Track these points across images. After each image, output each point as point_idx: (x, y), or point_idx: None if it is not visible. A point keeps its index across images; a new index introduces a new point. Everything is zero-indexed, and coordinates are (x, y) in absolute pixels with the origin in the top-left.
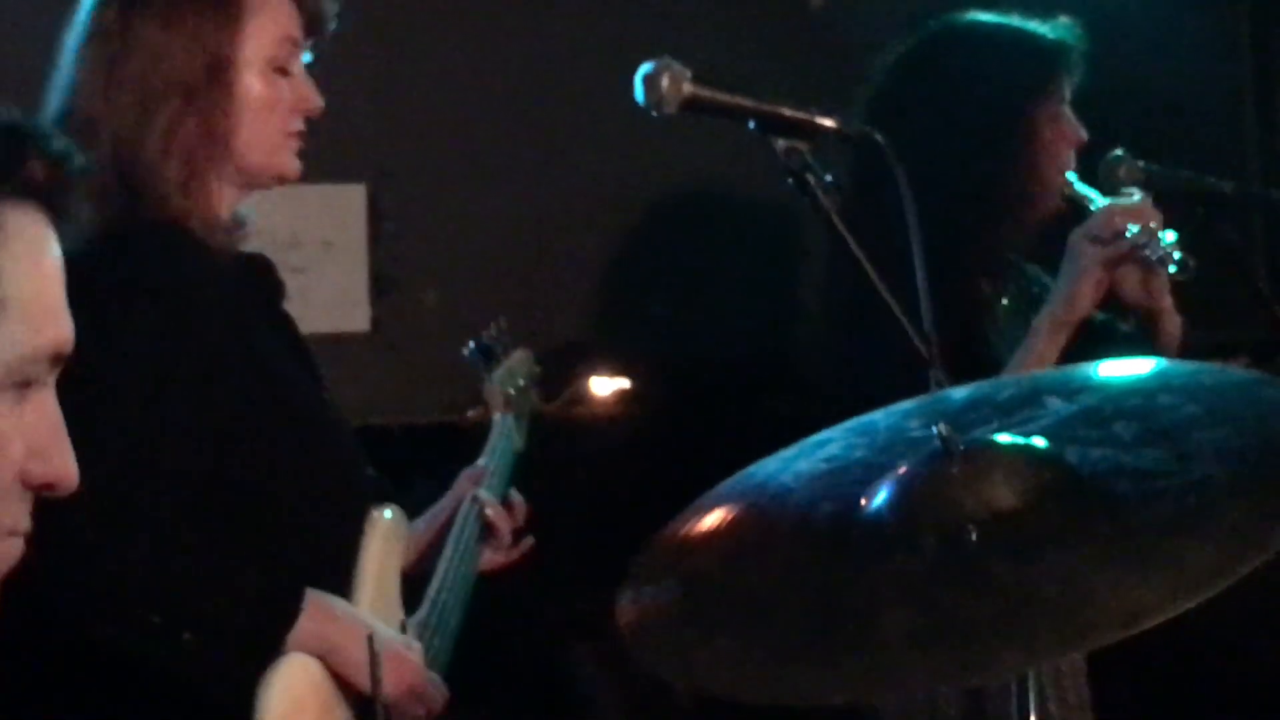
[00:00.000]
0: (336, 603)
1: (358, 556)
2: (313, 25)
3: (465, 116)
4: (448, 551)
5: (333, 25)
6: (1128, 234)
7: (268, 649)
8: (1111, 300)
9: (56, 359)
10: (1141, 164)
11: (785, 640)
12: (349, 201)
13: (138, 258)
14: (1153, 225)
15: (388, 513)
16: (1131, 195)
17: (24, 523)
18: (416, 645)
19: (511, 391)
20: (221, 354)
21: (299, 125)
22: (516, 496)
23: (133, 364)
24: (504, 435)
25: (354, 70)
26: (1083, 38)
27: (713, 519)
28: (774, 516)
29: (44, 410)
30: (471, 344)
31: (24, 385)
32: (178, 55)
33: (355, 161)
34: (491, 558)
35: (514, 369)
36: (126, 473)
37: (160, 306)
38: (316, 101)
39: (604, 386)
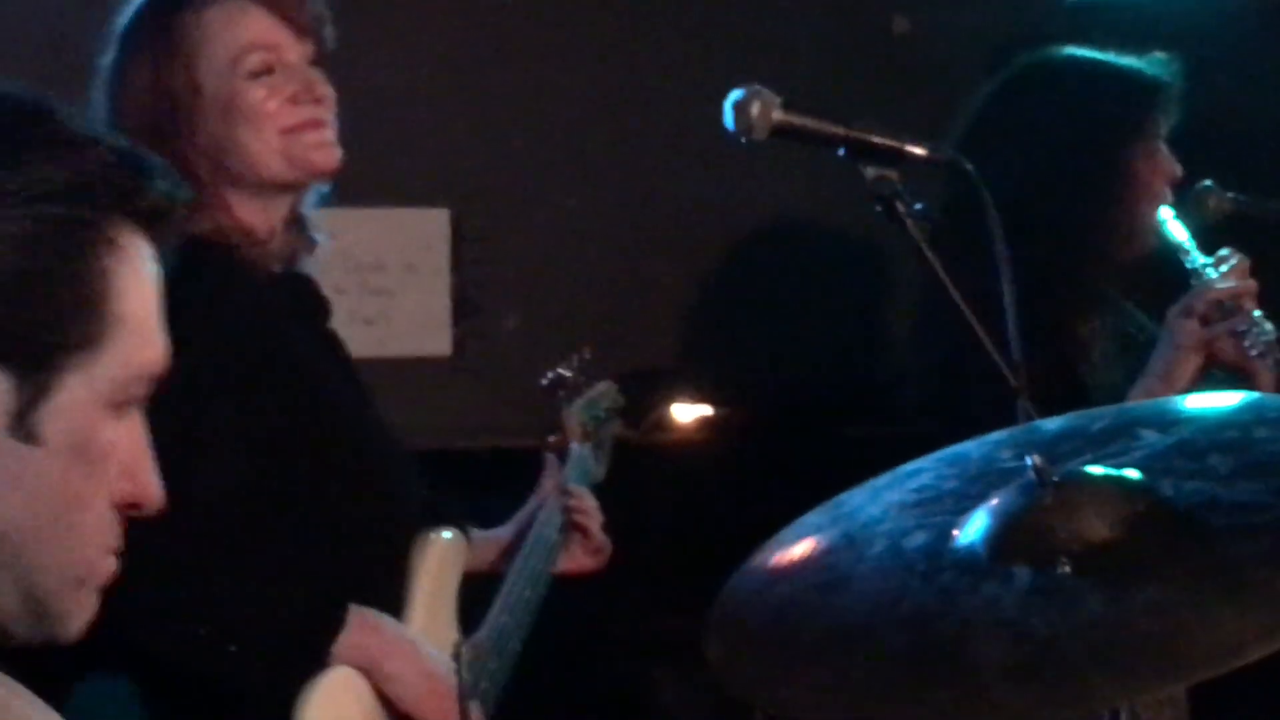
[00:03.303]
0: (381, 618)
1: (409, 577)
2: (294, 25)
3: (549, 141)
4: (513, 572)
5: (323, 23)
6: (1229, 320)
7: (311, 661)
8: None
9: (153, 380)
10: (1230, 194)
11: (875, 671)
12: (432, 225)
13: (180, 272)
14: (1252, 308)
15: (446, 534)
16: (1225, 260)
17: (118, 542)
18: (453, 664)
19: (589, 422)
20: (264, 367)
21: (305, 116)
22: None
23: (178, 377)
24: (579, 464)
25: (439, 95)
26: (1179, 74)
27: (803, 547)
28: (864, 546)
29: (136, 431)
30: (550, 374)
31: (125, 404)
32: (141, 97)
33: (439, 185)
34: (580, 560)
35: (595, 400)
36: (173, 485)
37: (204, 319)
38: (313, 91)
39: (686, 413)
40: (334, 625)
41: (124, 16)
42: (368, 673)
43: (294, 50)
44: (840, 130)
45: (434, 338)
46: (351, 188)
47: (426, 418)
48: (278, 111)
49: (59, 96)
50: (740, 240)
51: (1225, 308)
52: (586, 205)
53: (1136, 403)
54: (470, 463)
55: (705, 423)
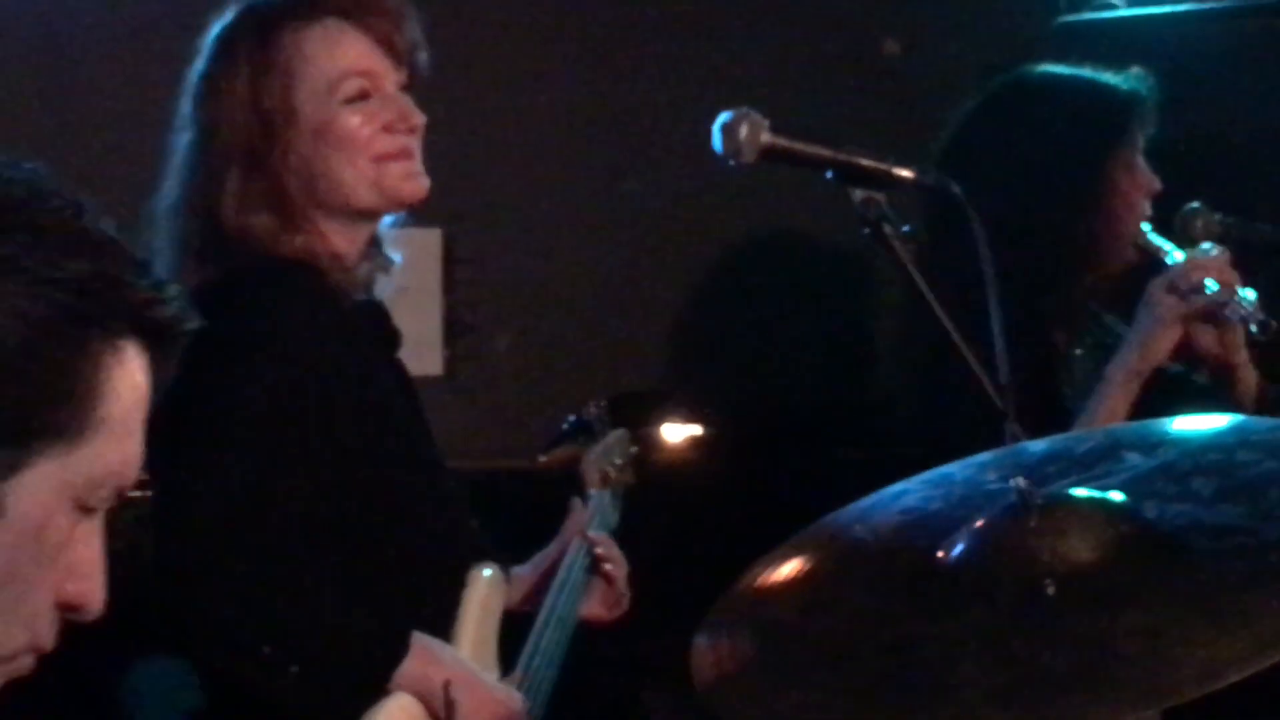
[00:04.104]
0: (442, 647)
1: (458, 610)
2: (392, 52)
3: (541, 162)
4: (544, 612)
5: (418, 49)
6: (1207, 289)
7: (371, 687)
8: (1186, 353)
9: (121, 490)
10: (1218, 216)
11: (861, 692)
12: (424, 246)
13: (264, 294)
14: (1232, 282)
15: (487, 570)
16: (1209, 250)
17: (49, 642)
18: (518, 695)
19: (608, 469)
20: (344, 394)
21: (397, 145)
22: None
23: (254, 401)
24: (599, 511)
25: (430, 114)
26: (1155, 88)
27: (789, 568)
28: (850, 567)
29: (94, 535)
30: (571, 418)
31: (89, 505)
32: (236, 120)
33: (430, 206)
34: (597, 609)
35: (611, 447)
36: (245, 507)
37: (283, 345)
38: (408, 120)
39: (676, 433)
40: (396, 652)
41: (218, 26)
42: (426, 701)
43: (390, 77)
44: (828, 153)
45: (426, 358)
46: None
47: None
48: (371, 139)
49: (57, 99)
50: (730, 261)
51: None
52: (578, 226)
53: (1111, 382)
54: (462, 483)
55: (695, 443)
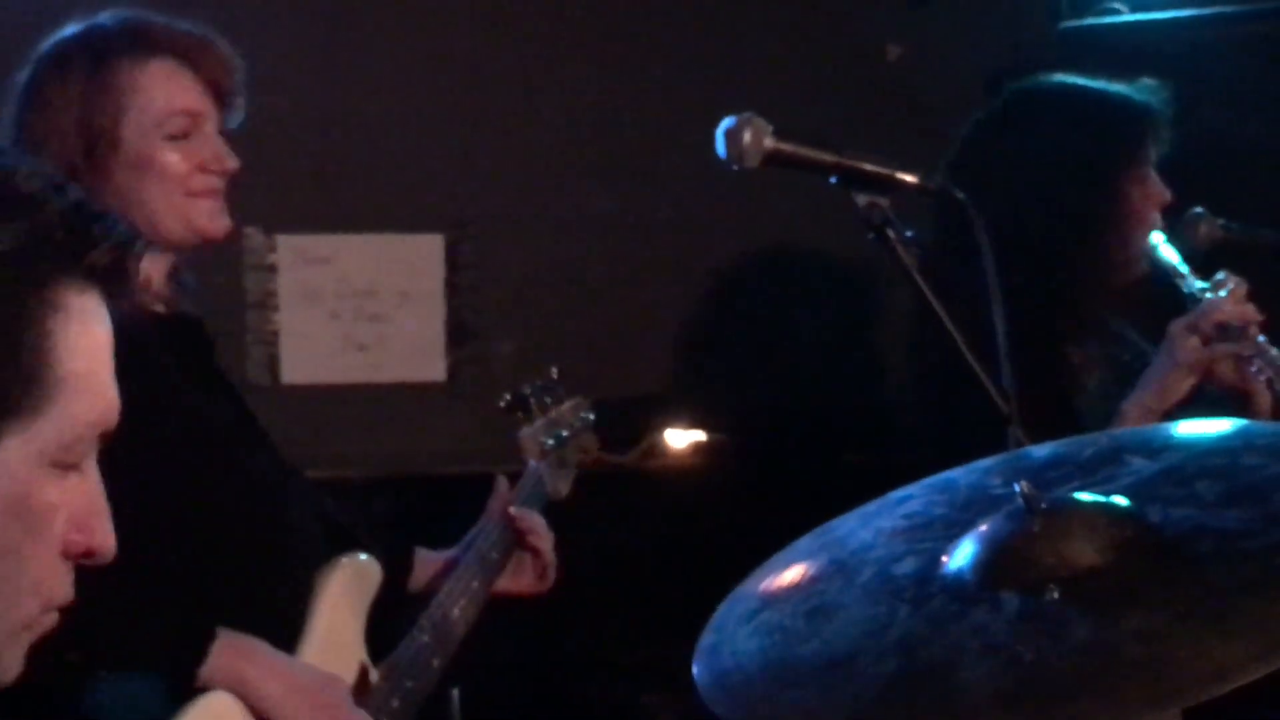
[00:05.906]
0: (254, 642)
1: (309, 602)
2: (217, 96)
3: (542, 167)
4: (441, 592)
5: (239, 95)
6: (1232, 337)
7: (178, 685)
8: (1203, 380)
9: (104, 435)
10: (1220, 221)
11: (864, 697)
12: (426, 252)
13: None
14: (1256, 333)
15: (355, 558)
16: (1224, 284)
17: (66, 594)
18: (339, 681)
19: (549, 441)
20: (134, 404)
21: (208, 184)
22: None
23: None
24: (533, 483)
25: (432, 121)
26: (1168, 101)
27: (793, 573)
28: (854, 572)
29: (87, 482)
30: (507, 395)
31: (70, 460)
32: (64, 137)
33: (433, 212)
34: (526, 581)
35: (559, 418)
36: None
37: None
38: (222, 163)
39: (680, 438)
40: (199, 651)
41: (56, 40)
42: (241, 695)
43: (212, 119)
44: (831, 158)
45: (428, 364)
46: (346, 214)
47: (421, 443)
48: (186, 176)
49: None
50: (734, 266)
51: (1230, 330)
52: (580, 231)
53: (1127, 418)
54: (464, 488)
55: (698, 448)
